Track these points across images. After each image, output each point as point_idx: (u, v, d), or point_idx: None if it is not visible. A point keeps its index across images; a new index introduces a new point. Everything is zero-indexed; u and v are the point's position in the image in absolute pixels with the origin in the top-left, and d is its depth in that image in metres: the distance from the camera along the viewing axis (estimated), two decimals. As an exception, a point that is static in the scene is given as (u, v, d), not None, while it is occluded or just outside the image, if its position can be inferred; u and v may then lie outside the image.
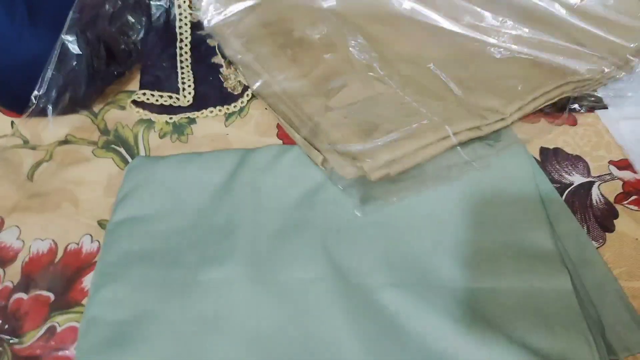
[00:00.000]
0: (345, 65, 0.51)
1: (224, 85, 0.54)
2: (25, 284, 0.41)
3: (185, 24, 0.54)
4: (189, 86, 0.53)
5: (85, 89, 0.49)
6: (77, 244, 0.44)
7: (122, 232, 0.43)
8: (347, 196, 0.44)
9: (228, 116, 0.53)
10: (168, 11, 0.54)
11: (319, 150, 0.45)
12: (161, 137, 0.51)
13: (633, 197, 0.45)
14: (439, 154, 0.45)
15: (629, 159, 0.47)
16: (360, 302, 0.38)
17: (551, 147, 0.48)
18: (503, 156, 0.46)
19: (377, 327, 0.37)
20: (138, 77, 0.54)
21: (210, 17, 0.54)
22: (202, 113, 0.53)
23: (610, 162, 0.47)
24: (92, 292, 0.40)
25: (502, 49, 0.52)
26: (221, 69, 0.54)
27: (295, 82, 0.50)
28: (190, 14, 0.55)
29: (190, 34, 0.55)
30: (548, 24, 0.53)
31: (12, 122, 0.53)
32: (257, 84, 0.51)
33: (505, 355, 0.35)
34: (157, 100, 0.52)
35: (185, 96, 0.52)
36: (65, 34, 0.47)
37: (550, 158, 0.48)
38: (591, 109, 0.51)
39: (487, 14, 0.54)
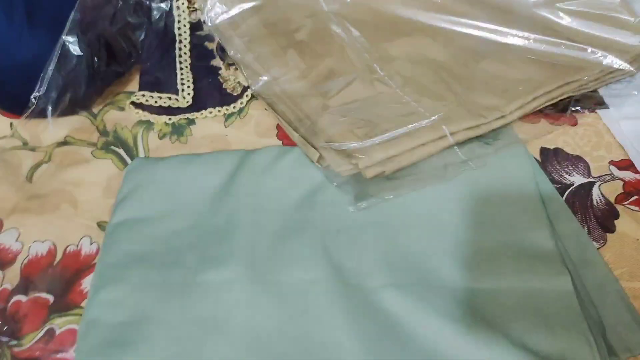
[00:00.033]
0: (346, 65, 0.51)
1: (223, 86, 0.53)
2: (25, 286, 0.41)
3: (184, 25, 0.54)
4: (188, 87, 0.53)
5: (85, 90, 0.49)
6: (76, 245, 0.43)
7: (122, 233, 0.43)
8: (342, 193, 0.44)
9: (227, 117, 0.53)
10: (168, 13, 0.54)
11: (315, 148, 0.45)
12: (160, 138, 0.51)
13: (634, 198, 0.45)
14: (435, 153, 0.45)
15: (630, 158, 0.47)
16: (360, 303, 0.38)
17: (551, 147, 0.48)
18: (503, 156, 0.46)
19: (377, 328, 0.37)
20: (137, 77, 0.54)
21: (215, 16, 0.54)
22: (202, 114, 0.52)
23: (611, 163, 0.47)
24: (91, 294, 0.40)
25: (503, 48, 0.52)
26: (220, 71, 0.54)
27: (296, 83, 0.50)
28: (189, 14, 0.55)
29: (190, 35, 0.55)
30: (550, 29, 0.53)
31: (11, 124, 0.52)
32: (258, 84, 0.51)
33: (505, 356, 0.35)
34: (156, 102, 0.52)
35: (184, 97, 0.52)
36: (66, 35, 0.47)
37: (550, 158, 0.47)
38: (592, 110, 0.50)
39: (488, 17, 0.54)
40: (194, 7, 0.56)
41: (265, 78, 0.51)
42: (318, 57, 0.52)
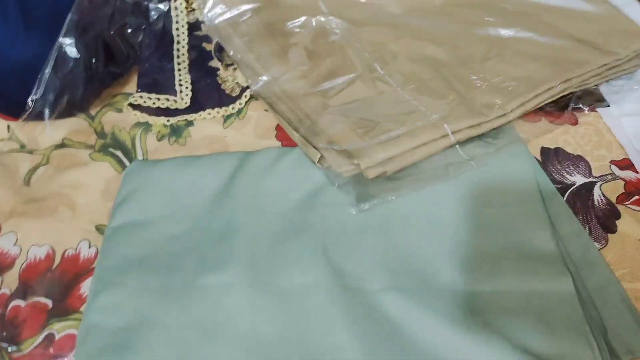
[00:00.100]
0: (346, 65, 0.51)
1: (222, 87, 0.53)
2: (23, 291, 0.41)
3: (182, 26, 0.54)
4: (187, 88, 0.53)
5: (83, 92, 0.49)
6: (75, 249, 0.43)
7: (121, 237, 0.42)
8: (344, 194, 0.44)
9: (226, 118, 0.52)
10: (166, 14, 0.53)
11: (316, 149, 0.45)
12: (159, 139, 0.51)
13: (635, 197, 0.44)
14: (437, 153, 0.45)
15: (629, 157, 0.47)
16: (360, 306, 0.38)
17: (552, 146, 0.48)
18: (504, 156, 0.46)
19: (377, 331, 0.37)
20: (135, 79, 0.53)
21: (214, 16, 0.54)
22: (200, 115, 0.52)
23: (612, 162, 0.47)
24: (90, 299, 0.39)
25: (503, 46, 0.52)
26: (218, 72, 0.54)
27: (296, 82, 0.50)
28: (187, 15, 0.55)
29: (188, 36, 0.54)
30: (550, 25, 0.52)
31: (8, 126, 0.52)
32: (258, 84, 0.51)
33: (506, 358, 0.34)
34: (154, 103, 0.51)
35: (182, 98, 0.52)
36: (63, 37, 0.46)
37: (551, 158, 0.47)
38: (593, 107, 0.50)
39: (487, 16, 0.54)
40: (191, 8, 0.56)
41: (265, 78, 0.51)
42: (318, 57, 0.52)
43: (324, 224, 0.42)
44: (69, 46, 0.47)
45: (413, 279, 0.39)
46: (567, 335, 0.36)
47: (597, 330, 0.36)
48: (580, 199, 0.44)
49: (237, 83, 0.53)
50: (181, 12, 0.54)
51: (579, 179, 0.46)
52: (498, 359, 0.35)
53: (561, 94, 0.48)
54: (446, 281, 0.39)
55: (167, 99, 0.52)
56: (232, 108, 0.52)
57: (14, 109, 0.48)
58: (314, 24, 0.54)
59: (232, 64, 0.54)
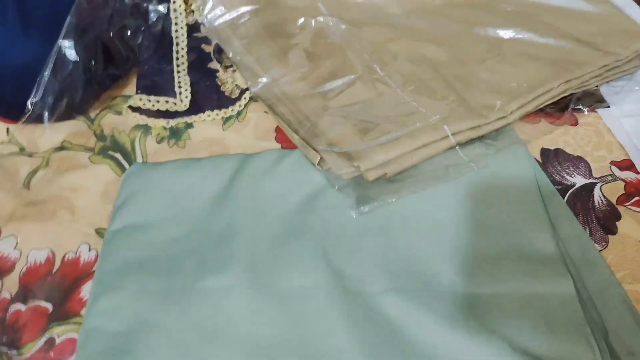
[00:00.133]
0: (346, 66, 0.51)
1: (221, 89, 0.53)
2: (23, 294, 0.41)
3: (182, 28, 0.54)
4: (186, 90, 0.52)
5: (82, 94, 0.49)
6: (75, 253, 0.43)
7: (121, 240, 0.42)
8: (344, 196, 0.43)
9: (225, 120, 0.52)
10: (165, 16, 0.53)
11: (316, 151, 0.45)
12: (158, 142, 0.51)
13: (635, 198, 0.44)
14: (437, 154, 0.45)
15: (630, 157, 0.47)
16: (360, 308, 0.38)
17: (552, 147, 0.48)
18: (504, 158, 0.46)
19: (377, 334, 0.37)
20: (134, 81, 0.53)
21: (214, 18, 0.54)
22: (200, 117, 0.52)
23: (612, 163, 0.47)
24: (90, 302, 0.39)
25: (503, 47, 0.52)
26: (217, 73, 0.54)
27: (296, 84, 0.50)
28: (186, 17, 0.54)
29: (187, 38, 0.54)
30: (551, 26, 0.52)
31: (8, 129, 0.52)
32: (257, 86, 0.51)
33: (507, 361, 0.34)
34: (153, 106, 0.51)
35: (182, 100, 0.52)
36: (62, 39, 0.46)
37: (551, 159, 0.47)
38: (593, 108, 0.50)
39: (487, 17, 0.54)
40: (190, 9, 0.56)
41: (264, 80, 0.51)
42: (318, 59, 0.51)
43: (324, 226, 0.42)
44: (68, 49, 0.47)
45: (413, 281, 0.39)
46: (568, 337, 0.36)
47: (598, 332, 0.36)
48: (580, 200, 0.44)
49: (236, 85, 0.53)
50: (180, 13, 0.54)
51: (579, 180, 0.46)
52: (499, 361, 0.35)
53: (561, 95, 0.48)
54: (446, 283, 0.39)
55: (167, 101, 0.52)
56: (232, 110, 0.52)
57: (14, 112, 0.48)
58: (313, 25, 0.54)
59: (231, 66, 0.54)
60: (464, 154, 0.45)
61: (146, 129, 0.51)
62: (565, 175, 0.46)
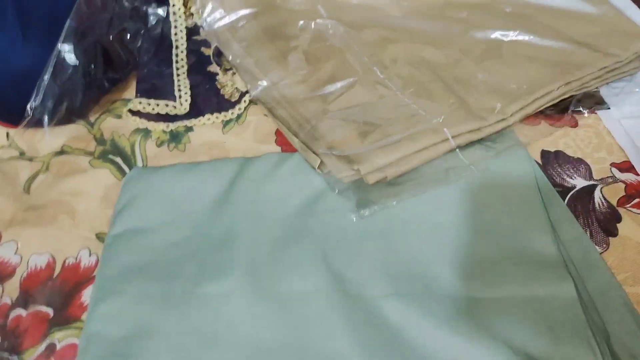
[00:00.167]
0: (346, 69, 0.51)
1: (221, 92, 0.53)
2: (24, 300, 0.41)
3: (181, 31, 0.54)
4: (186, 93, 0.52)
5: (82, 98, 0.49)
6: (75, 258, 0.43)
7: (121, 245, 0.42)
8: (344, 200, 0.43)
9: (225, 123, 0.52)
10: (165, 19, 0.53)
11: (316, 154, 0.45)
12: (158, 145, 0.51)
13: (636, 200, 0.44)
14: (437, 157, 0.44)
15: (630, 159, 0.47)
16: (360, 313, 0.38)
17: (552, 149, 0.48)
18: (504, 160, 0.46)
19: (378, 338, 0.37)
20: (134, 84, 0.53)
21: (213, 21, 0.54)
22: (200, 120, 0.52)
23: (612, 165, 0.47)
24: (91, 308, 0.39)
25: (503, 49, 0.52)
26: (217, 77, 0.54)
27: (295, 87, 0.50)
28: (186, 20, 0.54)
29: (186, 41, 0.54)
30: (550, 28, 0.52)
31: (8, 134, 0.52)
32: (257, 89, 0.51)
33: (508, 364, 0.34)
34: (153, 109, 0.51)
35: (181, 104, 0.52)
36: (62, 43, 0.46)
37: (551, 161, 0.47)
38: (593, 110, 0.50)
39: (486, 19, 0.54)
40: (190, 12, 0.55)
41: (264, 83, 0.51)
42: (318, 61, 0.51)
43: (324, 230, 0.42)
44: (67, 53, 0.47)
45: (414, 285, 0.39)
46: (569, 340, 0.36)
47: (599, 335, 0.36)
48: (581, 202, 0.44)
49: (236, 88, 0.53)
50: (180, 16, 0.54)
51: (579, 182, 0.46)
52: (500, 365, 0.35)
53: (561, 97, 0.48)
54: (447, 287, 0.39)
55: (167, 105, 0.51)
56: (232, 113, 0.52)
57: (14, 116, 0.48)
58: (312, 27, 0.54)
59: (231, 69, 0.54)
60: (464, 157, 0.45)
61: (146, 132, 0.51)
62: (565, 177, 0.46)
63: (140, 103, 0.51)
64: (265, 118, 0.52)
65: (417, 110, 0.47)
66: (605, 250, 0.41)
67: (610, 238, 0.42)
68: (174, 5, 0.53)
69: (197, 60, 0.54)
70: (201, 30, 0.56)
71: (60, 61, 0.47)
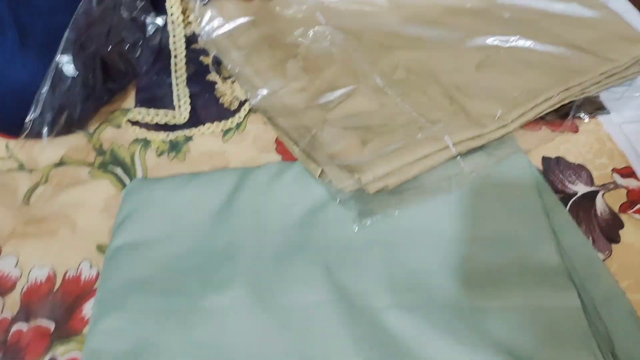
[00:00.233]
0: (346, 77, 0.51)
1: (220, 101, 0.53)
2: (25, 314, 0.41)
3: (179, 40, 0.54)
4: (185, 102, 0.52)
5: (81, 109, 0.49)
6: (76, 270, 0.43)
7: (121, 258, 0.42)
8: (345, 209, 0.43)
9: (225, 132, 0.52)
10: (163, 28, 0.53)
11: (317, 163, 0.44)
12: (158, 155, 0.51)
13: (638, 206, 0.44)
14: (438, 165, 0.44)
15: (631, 164, 0.47)
16: (365, 325, 0.38)
17: (553, 156, 0.48)
18: (505, 167, 0.45)
19: (382, 350, 0.36)
20: (133, 94, 0.53)
21: (212, 30, 0.54)
22: (199, 130, 0.52)
23: (614, 170, 0.46)
24: (93, 322, 0.39)
25: (503, 55, 0.51)
26: (216, 85, 0.54)
27: (295, 96, 0.50)
28: (184, 28, 0.54)
29: (185, 50, 0.54)
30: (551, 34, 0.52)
31: (7, 145, 0.52)
32: (257, 97, 0.51)
33: (513, 374, 0.34)
34: (152, 119, 0.51)
35: (181, 113, 0.52)
36: (61, 55, 0.46)
37: (552, 167, 0.47)
38: (593, 115, 0.50)
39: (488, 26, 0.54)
40: (188, 21, 0.55)
41: (264, 91, 0.51)
42: (317, 69, 0.51)
43: (326, 240, 0.42)
44: (66, 64, 0.46)
45: (417, 296, 0.39)
46: (573, 350, 0.35)
47: (604, 344, 0.36)
48: (582, 209, 0.44)
49: (235, 96, 0.53)
50: (178, 25, 0.54)
51: (581, 188, 0.45)
52: (504, 375, 0.34)
53: (562, 103, 0.48)
54: (450, 296, 0.38)
55: (166, 114, 0.51)
56: (231, 122, 0.52)
57: (13, 128, 0.48)
58: (312, 35, 0.54)
59: (230, 77, 0.54)
60: (465, 164, 0.45)
61: (146, 142, 0.51)
62: (567, 183, 0.46)
63: (139, 113, 0.51)
64: (265, 126, 0.52)
65: (417, 117, 0.47)
66: (608, 257, 0.41)
67: (612, 245, 0.42)
68: (172, 14, 0.53)
69: (196, 69, 0.54)
70: (200, 39, 0.55)
71: (59, 72, 0.46)
